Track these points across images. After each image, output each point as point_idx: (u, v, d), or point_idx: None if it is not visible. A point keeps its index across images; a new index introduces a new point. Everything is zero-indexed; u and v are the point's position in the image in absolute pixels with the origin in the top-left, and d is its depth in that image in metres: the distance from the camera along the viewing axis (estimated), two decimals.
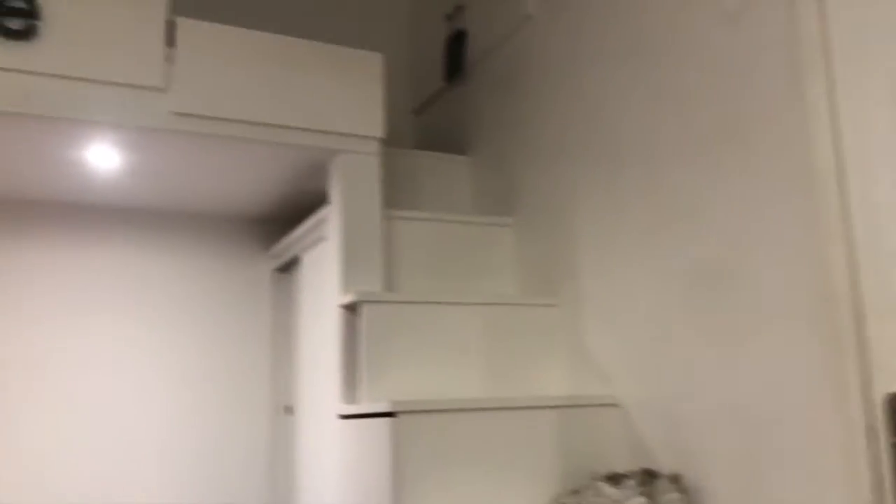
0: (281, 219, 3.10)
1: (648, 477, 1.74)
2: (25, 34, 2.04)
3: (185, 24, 2.24)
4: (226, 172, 2.58)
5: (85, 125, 2.15)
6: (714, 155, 1.74)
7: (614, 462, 1.97)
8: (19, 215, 2.82)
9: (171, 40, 2.21)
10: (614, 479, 1.75)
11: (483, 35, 2.90)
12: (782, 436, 1.53)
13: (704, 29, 1.79)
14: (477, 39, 2.94)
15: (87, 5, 2.13)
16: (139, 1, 2.19)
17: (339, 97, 2.39)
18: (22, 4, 2.04)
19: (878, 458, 1.36)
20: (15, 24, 2.03)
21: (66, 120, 2.11)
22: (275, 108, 2.30)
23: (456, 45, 3.08)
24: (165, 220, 3.01)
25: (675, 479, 1.71)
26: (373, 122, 2.41)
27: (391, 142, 2.69)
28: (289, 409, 2.95)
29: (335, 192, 2.39)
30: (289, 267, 3.02)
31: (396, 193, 2.68)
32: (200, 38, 2.25)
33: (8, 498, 2.63)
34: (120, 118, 2.15)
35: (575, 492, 1.82)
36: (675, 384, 1.81)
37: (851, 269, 1.41)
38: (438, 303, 2.21)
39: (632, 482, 1.71)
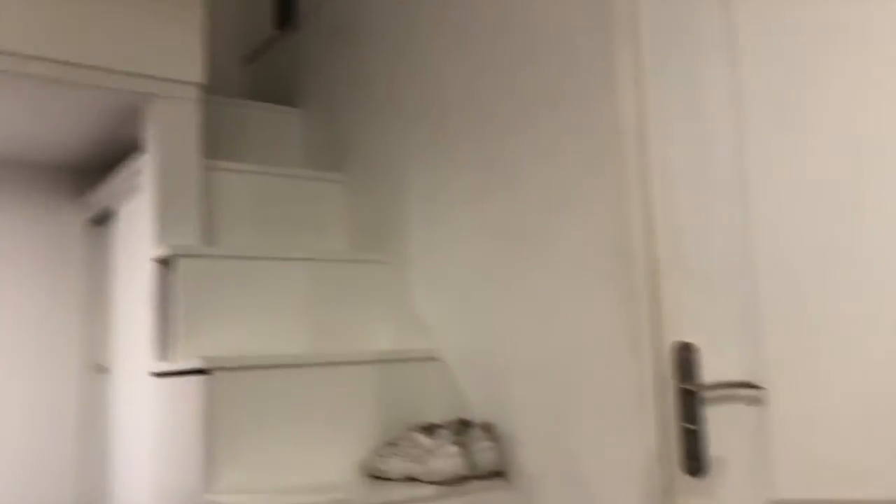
0: (94, 167, 2.90)
1: (463, 427, 1.79)
2: None
3: None
4: (29, 115, 2.37)
5: None
6: (533, 119, 1.78)
7: (435, 414, 2.01)
8: None
9: None
10: (429, 429, 1.78)
11: None
12: (584, 385, 1.62)
13: None
14: None
15: None
16: None
17: (155, 38, 2.24)
18: None
19: (666, 403, 1.47)
20: None
21: None
22: (82, 46, 2.13)
23: None
24: None
25: (488, 429, 1.77)
26: (191, 66, 2.29)
27: (220, 90, 2.57)
28: (102, 368, 2.79)
29: (151, 140, 2.26)
30: (103, 219, 2.84)
31: (223, 144, 2.57)
32: None
33: None
34: None
35: (391, 444, 1.84)
36: (492, 338, 1.86)
37: (647, 228, 1.49)
38: (261, 258, 2.15)
39: (446, 432, 1.75)
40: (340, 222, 2.53)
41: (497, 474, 1.76)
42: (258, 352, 2.08)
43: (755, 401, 1.43)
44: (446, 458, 1.69)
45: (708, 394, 1.44)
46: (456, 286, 1.99)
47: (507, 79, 1.86)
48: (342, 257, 2.30)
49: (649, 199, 1.50)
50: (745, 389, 1.43)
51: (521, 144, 1.81)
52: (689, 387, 1.44)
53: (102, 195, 2.70)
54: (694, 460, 1.43)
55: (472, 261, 1.94)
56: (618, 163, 1.55)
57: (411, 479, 1.75)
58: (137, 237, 2.42)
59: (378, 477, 1.82)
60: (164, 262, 2.06)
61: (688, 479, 1.43)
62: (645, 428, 1.49)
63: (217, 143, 2.50)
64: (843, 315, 1.40)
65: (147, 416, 2.17)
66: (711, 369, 1.44)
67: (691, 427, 1.43)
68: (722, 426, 1.43)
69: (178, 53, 2.27)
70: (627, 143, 1.53)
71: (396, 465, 1.77)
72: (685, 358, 1.45)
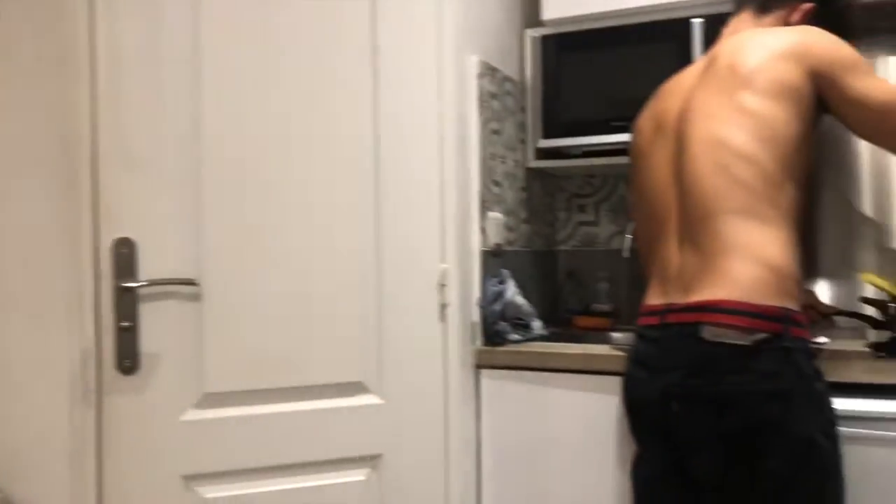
0: None
1: None
2: None
3: None
4: None
5: None
6: None
7: None
8: None
9: None
10: None
11: None
12: (12, 282, 1.44)
13: None
14: None
15: None
16: None
17: None
18: None
19: (102, 301, 1.41)
20: None
21: None
22: None
23: None
24: None
25: None
26: None
27: None
28: None
29: None
30: None
31: None
32: None
33: None
34: None
35: None
36: None
37: (92, 117, 1.39)
38: None
39: None
40: None
41: None
42: None
43: (193, 297, 1.45)
44: None
45: (146, 291, 1.42)
46: None
47: None
48: None
49: (96, 85, 1.40)
50: (184, 286, 1.44)
51: None
52: (126, 284, 1.41)
53: None
54: (127, 358, 1.41)
55: None
56: (63, 39, 1.40)
57: None
58: None
59: None
60: None
61: (120, 377, 1.41)
62: (79, 327, 1.41)
63: None
64: (277, 218, 1.50)
65: None
66: (152, 265, 1.42)
67: (126, 325, 1.41)
68: (158, 323, 1.43)
69: None
70: (74, 18, 1.40)
71: None
72: (124, 253, 1.41)
